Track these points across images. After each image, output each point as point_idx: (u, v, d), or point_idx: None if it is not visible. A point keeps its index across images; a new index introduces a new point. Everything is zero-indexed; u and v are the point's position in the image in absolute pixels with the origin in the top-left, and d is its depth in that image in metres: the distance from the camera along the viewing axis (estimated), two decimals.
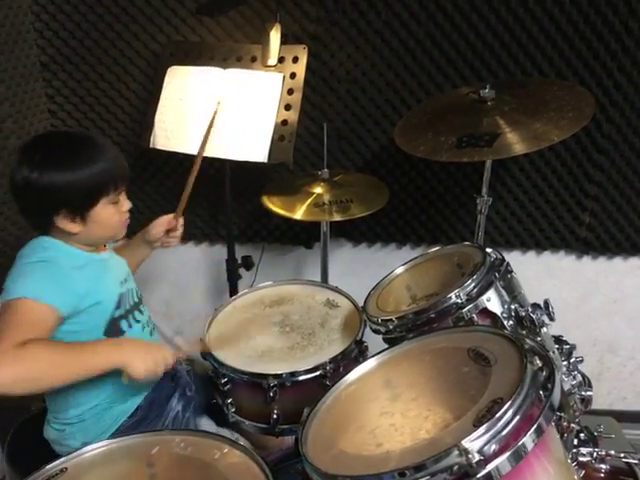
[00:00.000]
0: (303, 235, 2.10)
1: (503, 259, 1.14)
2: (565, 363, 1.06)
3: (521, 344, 0.78)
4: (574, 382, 1.03)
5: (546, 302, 1.07)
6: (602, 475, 1.08)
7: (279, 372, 1.23)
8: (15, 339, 1.01)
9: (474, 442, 0.64)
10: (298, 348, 1.33)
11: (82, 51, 1.92)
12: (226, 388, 1.31)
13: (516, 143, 1.31)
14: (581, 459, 0.99)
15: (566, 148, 1.84)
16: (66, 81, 1.97)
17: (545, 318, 1.05)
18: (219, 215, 2.11)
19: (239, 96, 1.67)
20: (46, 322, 1.09)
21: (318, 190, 1.69)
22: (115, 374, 1.25)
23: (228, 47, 1.77)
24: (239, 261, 1.96)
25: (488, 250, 1.16)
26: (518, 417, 0.66)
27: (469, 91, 1.52)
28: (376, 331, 1.19)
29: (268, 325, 1.42)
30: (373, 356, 0.99)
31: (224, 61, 1.74)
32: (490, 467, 0.63)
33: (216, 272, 2.19)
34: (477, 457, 0.63)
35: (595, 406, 2.18)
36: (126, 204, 1.26)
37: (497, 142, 1.30)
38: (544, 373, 0.73)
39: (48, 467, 0.98)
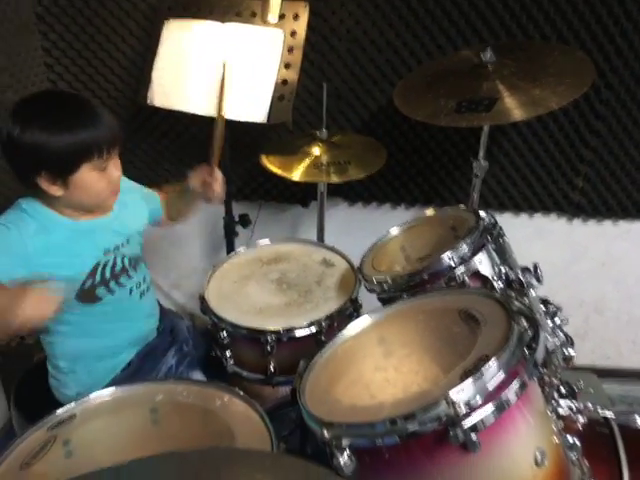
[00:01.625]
0: (300, 194, 2.12)
1: (496, 223, 1.17)
2: (550, 324, 1.11)
3: (509, 306, 0.83)
4: (557, 342, 1.08)
5: (535, 266, 1.12)
6: (580, 427, 1.15)
7: (276, 328, 1.28)
8: None
9: (461, 394, 0.69)
10: (295, 305, 1.38)
11: (78, 3, 1.89)
12: (225, 341, 1.36)
13: (514, 109, 1.32)
14: (560, 411, 1.05)
15: (564, 113, 1.85)
16: (62, 34, 1.94)
17: (533, 281, 1.10)
18: None
19: (239, 53, 1.66)
20: None
21: (316, 151, 1.70)
22: (102, 328, 1.30)
23: (227, 1, 1.74)
24: (236, 218, 1.99)
25: (482, 214, 1.19)
26: (503, 372, 0.71)
27: (470, 54, 1.52)
28: (371, 290, 1.23)
29: (266, 282, 1.46)
30: (368, 314, 1.04)
31: (223, 15, 1.71)
32: (475, 417, 0.69)
33: (213, 229, 2.21)
34: (464, 408, 0.68)
35: (579, 363, 2.28)
36: (115, 172, 1.21)
37: (495, 107, 1.32)
38: (529, 333, 0.78)
39: (59, 412, 1.04)
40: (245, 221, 2.01)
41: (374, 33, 1.83)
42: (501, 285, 1.09)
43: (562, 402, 1.03)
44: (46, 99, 1.21)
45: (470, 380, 0.70)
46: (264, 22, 1.67)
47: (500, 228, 1.16)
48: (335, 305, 1.35)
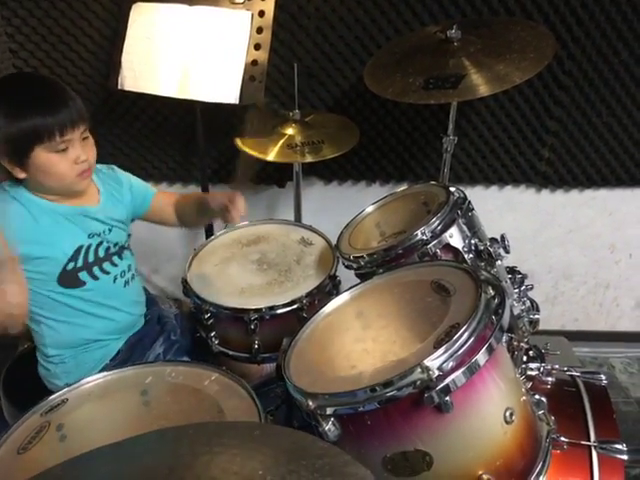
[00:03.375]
0: (276, 175, 2.14)
1: (465, 198, 1.22)
2: (516, 291, 1.18)
3: (477, 276, 0.88)
4: (523, 307, 1.14)
5: (502, 236, 1.17)
6: (548, 386, 1.23)
7: (259, 306, 1.32)
8: None
9: (434, 361, 0.75)
10: (276, 284, 1.41)
11: None
12: (209, 323, 1.39)
13: (480, 85, 1.36)
14: (529, 373, 1.12)
15: (529, 85, 1.90)
16: (26, 19, 1.90)
17: (501, 251, 1.16)
18: (191, 156, 2.13)
19: (207, 35, 1.66)
20: None
21: (290, 131, 1.72)
22: (88, 315, 1.31)
23: None
24: None
25: (452, 189, 1.24)
26: (472, 339, 0.77)
27: (437, 30, 1.54)
28: (349, 267, 1.28)
29: (246, 263, 1.50)
30: (346, 290, 1.08)
31: None
32: (448, 380, 0.74)
33: None
34: (437, 373, 0.73)
35: (549, 327, 2.38)
36: (81, 154, 1.20)
37: (462, 84, 1.36)
38: (496, 300, 0.83)
39: (51, 398, 1.06)
40: None
41: (342, 10, 1.84)
42: (471, 256, 1.14)
43: (531, 365, 1.10)
44: (3, 83, 1.23)
45: (443, 348, 0.76)
46: (231, 2, 1.67)
47: (469, 202, 1.21)
48: (315, 282, 1.39)
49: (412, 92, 1.40)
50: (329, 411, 0.79)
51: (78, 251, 1.27)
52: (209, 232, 2.01)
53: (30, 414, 1.03)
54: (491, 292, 0.85)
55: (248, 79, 1.66)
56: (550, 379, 1.22)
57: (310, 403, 0.81)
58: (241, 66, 1.65)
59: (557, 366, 1.22)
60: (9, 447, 0.97)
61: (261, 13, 1.66)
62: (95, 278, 1.31)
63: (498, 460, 0.80)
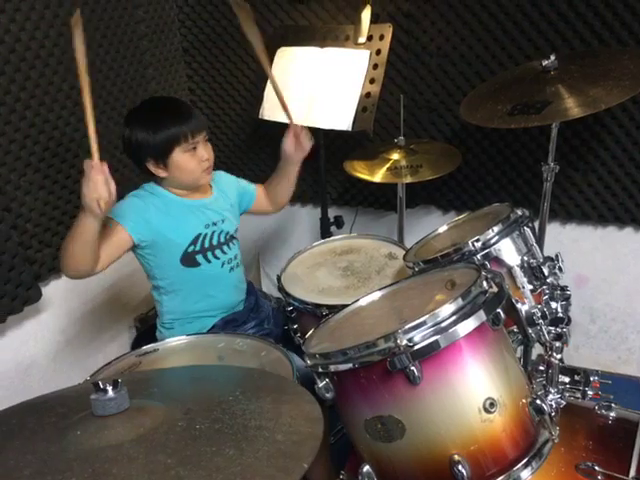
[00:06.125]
0: (394, 201, 2.27)
1: (528, 217, 1.23)
2: (555, 305, 1.13)
3: (479, 272, 0.92)
4: (542, 316, 1.08)
5: (557, 255, 1.16)
6: (609, 421, 1.16)
7: (327, 303, 1.47)
8: None
9: (406, 334, 0.82)
10: (352, 288, 1.55)
11: (214, 37, 2.30)
12: (292, 315, 1.58)
13: (568, 109, 1.35)
14: (572, 396, 1.08)
15: None
16: (202, 63, 2.37)
17: (557, 270, 1.15)
18: (318, 180, 2.37)
19: (331, 71, 1.91)
20: (117, 236, 1.42)
21: (395, 156, 1.86)
22: (198, 292, 1.58)
23: (326, 29, 2.00)
24: (331, 220, 2.21)
25: (518, 210, 1.26)
26: (446, 321, 0.82)
27: (540, 62, 1.57)
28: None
29: (334, 269, 1.66)
30: (380, 289, 1.19)
31: (323, 40, 1.97)
32: (412, 350, 0.81)
33: (316, 230, 2.46)
34: (405, 342, 0.80)
35: None
36: (205, 153, 1.50)
37: (547, 109, 1.37)
38: (487, 296, 0.87)
39: (145, 347, 1.35)
40: (339, 222, 2.23)
41: (463, 48, 1.95)
42: (522, 271, 1.15)
43: (571, 387, 1.06)
44: (145, 104, 1.57)
45: (414, 322, 0.83)
46: (355, 44, 1.90)
47: (530, 220, 1.22)
48: None
49: (497, 118, 1.44)
50: (320, 370, 0.90)
51: (197, 238, 1.56)
52: (324, 235, 2.21)
53: (129, 354, 1.32)
54: (485, 287, 0.88)
55: (361, 110, 1.85)
56: (612, 414, 1.16)
57: (308, 361, 0.93)
58: (357, 98, 1.85)
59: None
60: (108, 373, 1.26)
61: (378, 51, 1.85)
62: (208, 261, 1.58)
63: (473, 445, 0.82)
